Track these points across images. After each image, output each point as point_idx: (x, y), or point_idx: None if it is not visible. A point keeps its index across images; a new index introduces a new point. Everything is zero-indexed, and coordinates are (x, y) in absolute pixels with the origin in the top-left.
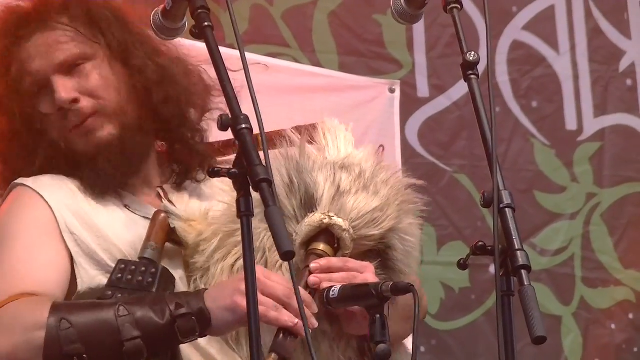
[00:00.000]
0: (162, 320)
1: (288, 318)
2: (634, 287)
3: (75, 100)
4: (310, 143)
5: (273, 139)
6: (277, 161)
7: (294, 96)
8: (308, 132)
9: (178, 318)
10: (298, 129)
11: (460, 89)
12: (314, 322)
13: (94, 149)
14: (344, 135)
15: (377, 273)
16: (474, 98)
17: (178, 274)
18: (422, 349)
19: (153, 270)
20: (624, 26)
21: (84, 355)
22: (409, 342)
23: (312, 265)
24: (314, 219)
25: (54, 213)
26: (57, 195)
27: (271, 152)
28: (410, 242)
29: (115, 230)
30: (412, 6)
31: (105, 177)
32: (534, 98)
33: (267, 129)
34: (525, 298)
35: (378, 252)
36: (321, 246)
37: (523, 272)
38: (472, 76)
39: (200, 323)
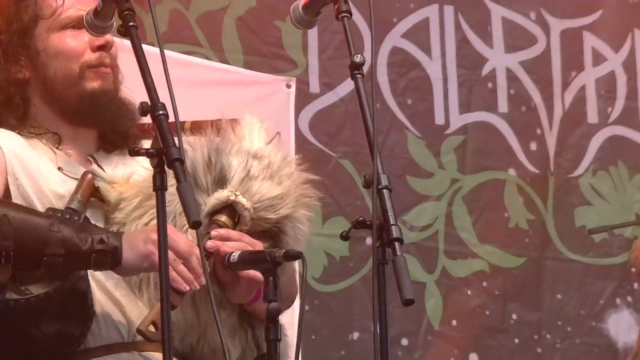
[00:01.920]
0: (83, 246)
1: (187, 273)
2: (488, 260)
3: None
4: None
5: (204, 126)
6: (201, 141)
7: (205, 89)
8: (231, 124)
9: (96, 251)
10: (227, 120)
11: (346, 87)
12: (203, 280)
13: (100, 91)
14: (259, 131)
15: None
16: (359, 94)
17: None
18: (307, 307)
19: (77, 218)
20: (488, 37)
21: (11, 253)
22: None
23: (213, 232)
24: (222, 194)
25: (5, 157)
26: (11, 145)
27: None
28: (301, 230)
29: (50, 184)
30: (308, 14)
31: (90, 117)
32: (409, 96)
33: (181, 117)
34: (398, 266)
35: (271, 234)
36: (223, 218)
37: (396, 244)
38: (358, 75)
39: (113, 260)
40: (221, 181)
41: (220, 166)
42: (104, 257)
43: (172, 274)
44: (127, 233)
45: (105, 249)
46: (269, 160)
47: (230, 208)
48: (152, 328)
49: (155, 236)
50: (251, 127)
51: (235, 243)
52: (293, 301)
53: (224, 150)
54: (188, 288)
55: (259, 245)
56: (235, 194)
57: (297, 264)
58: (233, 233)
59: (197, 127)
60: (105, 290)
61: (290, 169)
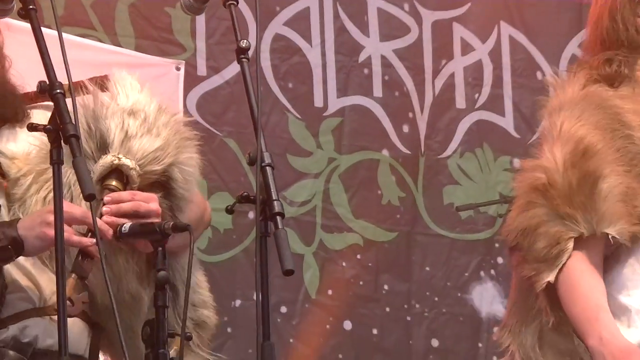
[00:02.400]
0: None
1: (87, 240)
2: (362, 234)
3: None
4: (103, 91)
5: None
6: (78, 111)
7: (99, 70)
8: (102, 82)
9: None
10: (92, 79)
11: (231, 70)
12: (110, 234)
13: None
14: (131, 82)
15: (161, 201)
16: (244, 77)
17: (0, 202)
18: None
19: None
20: (364, 26)
21: None
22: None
23: (105, 198)
24: (106, 160)
25: None
26: None
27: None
28: (189, 171)
29: None
30: (197, 1)
31: None
32: (290, 80)
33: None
34: (279, 239)
35: (162, 184)
36: (113, 182)
37: (278, 218)
38: (244, 59)
39: (15, 249)
40: (103, 147)
41: (100, 132)
42: (5, 252)
43: (76, 240)
44: (22, 220)
45: (4, 245)
46: (145, 114)
47: (117, 171)
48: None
49: (49, 218)
50: (122, 81)
51: (129, 204)
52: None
53: (100, 115)
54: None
55: (153, 199)
56: (119, 157)
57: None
58: (124, 194)
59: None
60: (15, 262)
61: (166, 117)
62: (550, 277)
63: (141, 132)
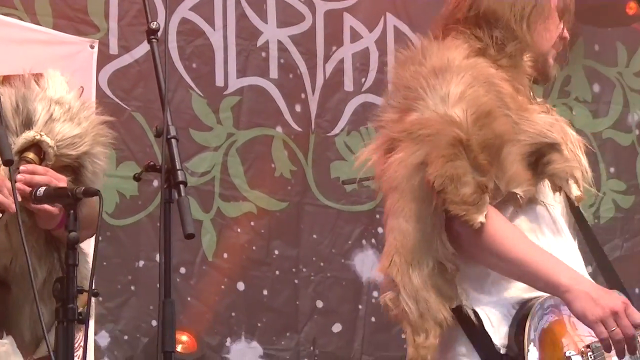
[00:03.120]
0: None
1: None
2: (256, 203)
3: None
4: (37, 84)
5: (12, 79)
6: (9, 91)
7: (19, 46)
8: (37, 78)
9: None
10: (31, 74)
11: (140, 50)
12: (13, 208)
13: None
14: (61, 82)
15: (69, 184)
16: (154, 56)
17: None
18: (100, 238)
19: None
20: (263, 14)
21: None
22: None
23: (22, 167)
24: (29, 134)
25: None
26: None
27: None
28: (99, 165)
29: None
30: None
31: None
32: (194, 61)
33: (2, 71)
34: (182, 205)
35: (73, 169)
36: (31, 155)
37: (181, 186)
38: (154, 40)
39: None
40: (28, 124)
41: (27, 111)
42: None
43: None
44: None
45: None
46: (69, 105)
47: (36, 146)
48: None
49: None
50: (54, 79)
51: (42, 177)
52: (94, 231)
53: (29, 97)
54: (1, 215)
55: (62, 179)
56: (40, 134)
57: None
58: (39, 168)
59: (7, 80)
60: None
61: (88, 112)
62: (482, 218)
63: (64, 118)
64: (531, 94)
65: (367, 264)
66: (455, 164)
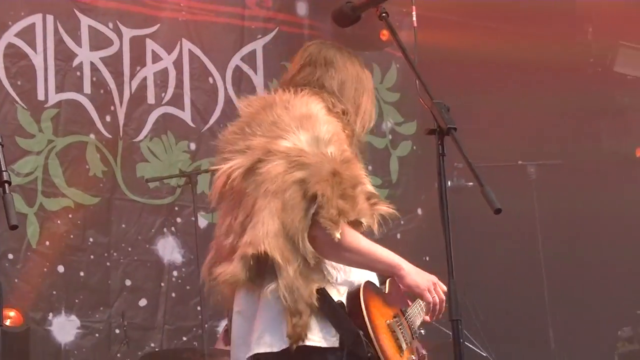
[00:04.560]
0: None
1: None
2: (73, 199)
3: None
4: None
5: None
6: None
7: None
8: None
9: None
10: None
11: None
12: None
13: None
14: None
15: None
16: None
17: None
18: None
19: None
20: (78, 39)
21: None
22: None
23: None
24: None
25: None
26: None
27: None
28: None
29: None
30: None
31: None
32: (19, 79)
33: None
34: (6, 202)
35: None
36: None
37: (6, 185)
38: None
39: None
40: None
41: None
42: None
43: None
44: None
45: None
46: None
47: None
48: None
49: None
50: None
51: None
52: None
53: None
54: None
55: None
56: None
57: None
58: None
59: None
60: None
61: None
62: (338, 235)
63: None
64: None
65: (167, 249)
66: (332, 189)
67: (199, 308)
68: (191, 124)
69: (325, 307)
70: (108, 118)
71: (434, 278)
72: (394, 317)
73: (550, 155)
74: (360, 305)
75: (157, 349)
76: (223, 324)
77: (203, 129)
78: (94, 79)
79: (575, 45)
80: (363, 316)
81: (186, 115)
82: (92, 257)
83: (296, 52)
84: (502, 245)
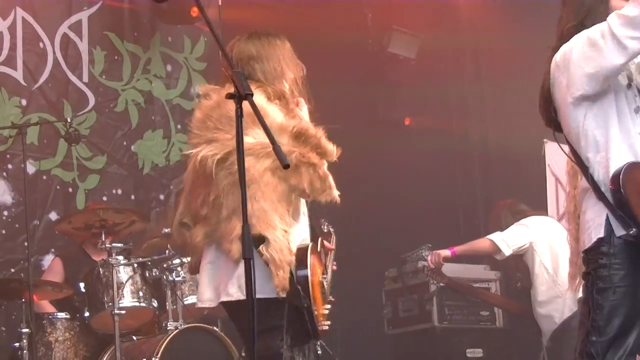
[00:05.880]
0: None
1: None
2: None
3: None
4: None
5: None
6: None
7: None
8: None
9: None
10: None
11: None
12: None
13: None
14: None
15: None
16: None
17: None
18: None
19: None
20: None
21: None
22: None
23: None
24: None
25: None
26: None
27: None
28: None
29: None
30: None
31: None
32: None
33: None
34: None
35: None
36: None
37: None
38: None
39: None
40: None
41: None
42: None
43: None
44: None
45: None
46: None
47: None
48: None
49: None
50: None
51: None
52: None
53: None
54: None
55: None
56: None
57: None
58: None
59: None
60: None
61: None
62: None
63: None
64: None
65: None
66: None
67: (26, 244)
68: (23, 83)
69: None
70: None
71: None
72: (323, 273)
73: (331, 121)
74: (307, 264)
75: None
76: (47, 258)
77: (33, 87)
78: None
79: (357, 29)
80: (307, 275)
81: (18, 74)
82: None
83: (117, 23)
84: None
